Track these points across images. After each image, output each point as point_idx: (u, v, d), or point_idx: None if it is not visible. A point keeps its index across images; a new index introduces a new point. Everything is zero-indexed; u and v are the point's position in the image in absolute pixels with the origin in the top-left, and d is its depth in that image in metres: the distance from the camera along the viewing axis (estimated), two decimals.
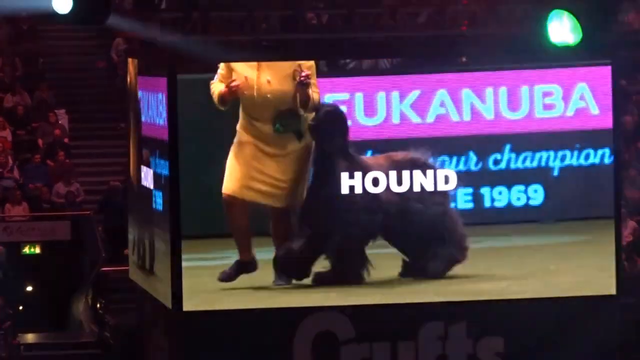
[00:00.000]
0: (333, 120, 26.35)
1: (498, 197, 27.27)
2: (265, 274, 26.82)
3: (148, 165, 28.94)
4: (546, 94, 27.21)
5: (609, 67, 26.88)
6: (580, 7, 18.74)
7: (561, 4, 18.76)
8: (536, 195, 27.34)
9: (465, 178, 27.01)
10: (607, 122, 27.27)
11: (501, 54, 27.23)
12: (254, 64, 25.80)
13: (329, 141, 26.24)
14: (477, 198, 27.23)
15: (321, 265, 26.83)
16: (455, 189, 26.87)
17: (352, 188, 26.49)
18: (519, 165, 27.09)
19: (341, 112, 26.34)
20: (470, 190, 27.13)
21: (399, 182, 26.57)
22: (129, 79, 29.71)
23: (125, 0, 21.86)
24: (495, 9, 26.37)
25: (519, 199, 27.35)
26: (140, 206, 29.69)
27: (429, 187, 26.78)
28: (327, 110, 26.51)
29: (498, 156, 26.96)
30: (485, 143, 27.13)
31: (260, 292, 26.81)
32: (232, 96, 25.64)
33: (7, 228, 32.73)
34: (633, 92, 34.16)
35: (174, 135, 26.22)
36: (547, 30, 19.75)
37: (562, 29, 18.78)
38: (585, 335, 27.10)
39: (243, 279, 26.80)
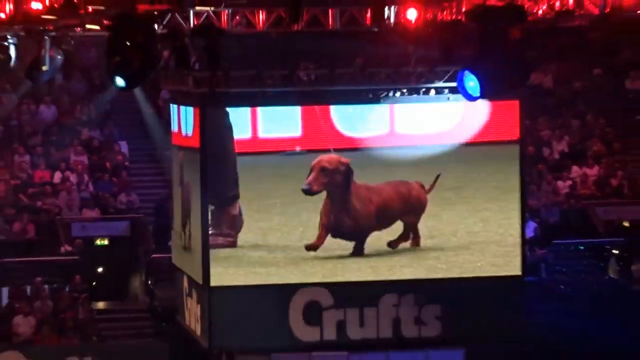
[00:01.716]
0: None
1: None
2: (270, 259, 27.25)
3: (182, 168, 28.95)
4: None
5: (517, 101, 27.07)
6: (485, 70, 19.01)
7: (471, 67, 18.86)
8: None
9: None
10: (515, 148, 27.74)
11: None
12: None
13: None
14: None
15: None
16: None
17: None
18: None
19: None
20: None
21: None
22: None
23: (169, 63, 21.87)
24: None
25: None
26: (180, 207, 29.65)
27: None
28: None
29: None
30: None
31: (265, 273, 27.16)
32: None
33: (84, 226, 32.82)
34: (534, 130, 34.23)
35: (204, 144, 26.65)
36: (463, 82, 19.83)
37: (471, 85, 18.79)
38: (498, 301, 27.47)
39: (253, 264, 27.18)
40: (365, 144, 27.39)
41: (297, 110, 27.24)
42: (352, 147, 27.25)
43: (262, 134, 27.34)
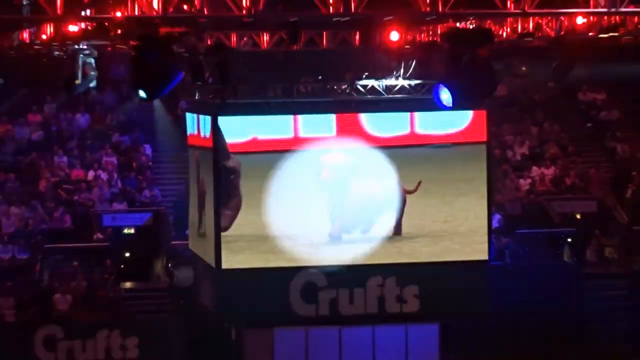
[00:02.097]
0: None
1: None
2: (274, 246, 27.17)
3: (198, 165, 28.99)
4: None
5: (485, 111, 27.10)
6: (457, 84, 19.06)
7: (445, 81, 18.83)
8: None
9: None
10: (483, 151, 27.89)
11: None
12: None
13: None
14: None
15: None
16: None
17: None
18: None
19: None
20: None
21: None
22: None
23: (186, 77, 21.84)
24: None
25: None
26: (197, 198, 29.57)
27: None
28: None
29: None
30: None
31: (271, 258, 27.14)
32: None
33: (113, 217, 32.70)
34: (499, 135, 34.14)
35: (216, 146, 26.63)
36: (438, 94, 19.74)
37: (445, 97, 18.74)
38: (468, 282, 27.36)
39: (259, 249, 27.20)
40: (384, 143, 27.40)
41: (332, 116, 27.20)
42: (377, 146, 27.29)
43: (302, 134, 27.31)
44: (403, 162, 27.47)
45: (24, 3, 27.17)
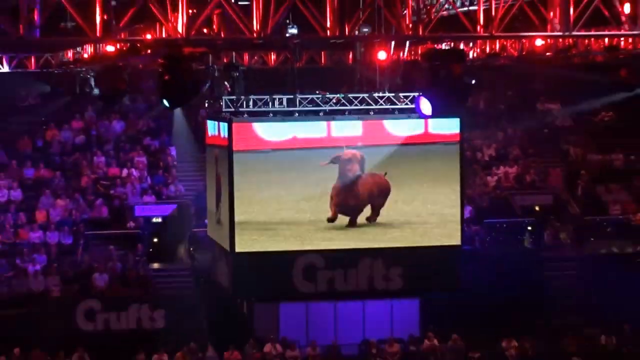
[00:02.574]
0: None
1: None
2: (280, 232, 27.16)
3: (216, 161, 28.72)
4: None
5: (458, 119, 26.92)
6: (435, 96, 18.94)
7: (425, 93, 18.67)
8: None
9: None
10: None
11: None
12: None
13: None
14: None
15: None
16: None
17: None
18: None
19: None
20: None
21: None
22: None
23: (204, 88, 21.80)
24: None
25: None
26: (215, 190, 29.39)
27: None
28: None
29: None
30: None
31: (278, 242, 27.17)
32: None
33: (144, 209, 32.57)
34: (470, 139, 34.13)
35: (230, 146, 26.54)
36: (418, 104, 19.41)
37: (425, 105, 18.55)
38: (443, 264, 27.34)
39: (268, 235, 27.08)
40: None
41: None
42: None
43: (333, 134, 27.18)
44: (392, 159, 27.48)
45: (68, 27, 27.14)
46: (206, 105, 26.62)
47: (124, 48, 22.48)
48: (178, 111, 32.41)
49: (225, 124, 26.94)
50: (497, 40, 22.97)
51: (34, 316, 29.14)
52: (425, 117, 20.04)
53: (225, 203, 27.43)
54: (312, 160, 27.21)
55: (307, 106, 26.96)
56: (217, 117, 27.82)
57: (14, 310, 29.33)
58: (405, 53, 25.20)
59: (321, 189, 27.30)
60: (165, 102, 18.38)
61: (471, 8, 18.50)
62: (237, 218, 26.87)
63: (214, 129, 28.73)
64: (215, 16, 20.38)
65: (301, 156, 27.29)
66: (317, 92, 27.19)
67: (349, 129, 27.28)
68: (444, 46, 25.18)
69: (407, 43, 24.68)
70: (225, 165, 27.34)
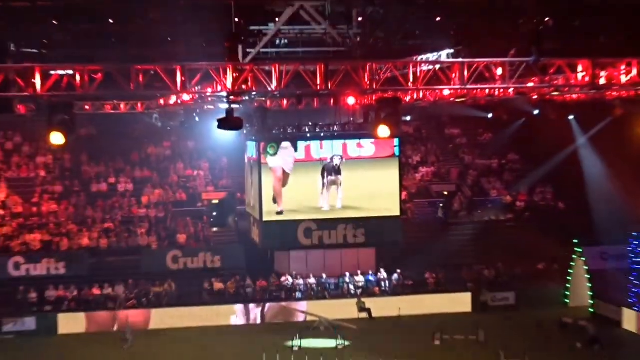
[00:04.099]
0: None
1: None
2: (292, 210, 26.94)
3: (251, 167, 28.38)
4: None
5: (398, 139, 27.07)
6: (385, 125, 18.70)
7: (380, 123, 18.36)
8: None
9: None
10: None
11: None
12: None
13: None
14: None
15: None
16: None
17: None
18: None
19: None
20: None
21: None
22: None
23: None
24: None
25: None
26: (251, 186, 29.47)
27: None
28: None
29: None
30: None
31: (287, 215, 26.98)
32: None
33: (208, 194, 32.49)
34: (405, 151, 34.11)
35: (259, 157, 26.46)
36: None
37: (383, 130, 18.16)
38: (389, 227, 27.27)
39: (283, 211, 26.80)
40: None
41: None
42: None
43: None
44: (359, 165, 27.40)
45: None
46: (244, 132, 26.39)
47: (195, 97, 22.29)
48: (229, 134, 32.27)
49: (254, 143, 26.95)
50: (421, 91, 22.76)
51: (141, 260, 29.09)
52: (382, 138, 19.60)
53: (256, 192, 27.23)
54: (309, 168, 27.02)
55: (306, 133, 27.05)
56: (252, 139, 27.75)
57: (129, 256, 29.26)
58: (367, 99, 25.01)
59: (313, 186, 27.16)
60: (220, 130, 18.20)
61: (405, 71, 18.40)
62: (263, 201, 26.74)
63: (251, 148, 28.52)
64: (250, 77, 20.36)
65: (301, 165, 27.05)
66: (310, 123, 27.14)
67: (334, 147, 27.16)
68: (389, 94, 25.03)
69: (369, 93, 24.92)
70: (256, 170, 27.20)
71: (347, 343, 23.82)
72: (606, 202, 29.20)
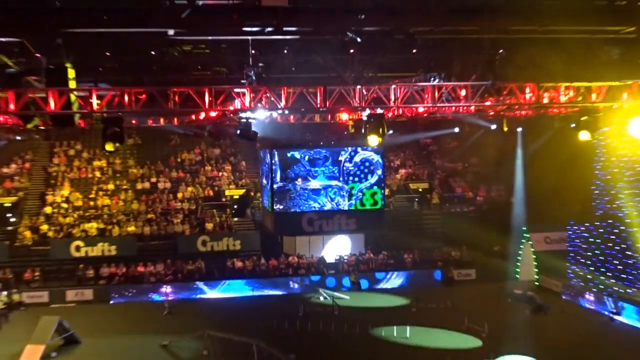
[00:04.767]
0: None
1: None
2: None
3: (268, 175, 28.33)
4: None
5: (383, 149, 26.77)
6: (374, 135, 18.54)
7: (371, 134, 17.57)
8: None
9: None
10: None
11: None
12: None
13: None
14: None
15: None
16: None
17: None
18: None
19: None
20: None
21: None
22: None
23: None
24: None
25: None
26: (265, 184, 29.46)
27: None
28: None
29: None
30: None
31: (294, 207, 26.82)
32: None
33: (230, 190, 32.32)
34: (388, 155, 33.94)
35: (271, 169, 26.37)
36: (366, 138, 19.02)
37: (372, 139, 18.10)
38: (374, 217, 27.04)
39: (290, 204, 26.33)
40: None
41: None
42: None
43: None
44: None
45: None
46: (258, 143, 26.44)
47: (219, 114, 22.22)
48: (247, 143, 32.18)
49: (268, 152, 26.85)
50: (400, 108, 22.75)
51: (176, 244, 28.85)
52: (372, 145, 19.43)
53: (269, 189, 27.08)
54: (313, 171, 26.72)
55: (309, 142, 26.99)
56: (265, 148, 27.72)
57: (167, 241, 29.13)
58: (358, 114, 24.92)
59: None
60: (241, 138, 18.18)
61: (387, 92, 18.34)
62: (275, 197, 26.56)
63: (265, 155, 28.46)
64: (264, 97, 20.29)
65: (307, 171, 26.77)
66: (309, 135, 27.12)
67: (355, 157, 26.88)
68: (375, 111, 24.98)
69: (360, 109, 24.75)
70: (269, 174, 27.03)
71: (343, 301, 23.85)
72: (547, 199, 29.20)
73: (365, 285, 27.26)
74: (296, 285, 27.05)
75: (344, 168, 26.70)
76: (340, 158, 26.59)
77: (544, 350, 18.46)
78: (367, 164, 26.85)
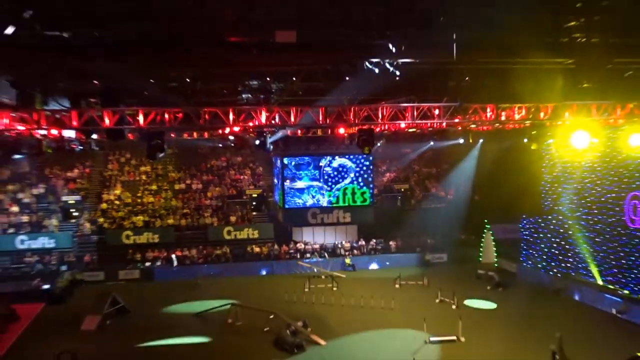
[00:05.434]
0: None
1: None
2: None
3: (276, 174, 28.31)
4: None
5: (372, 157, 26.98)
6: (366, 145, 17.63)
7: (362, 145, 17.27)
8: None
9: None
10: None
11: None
12: None
13: None
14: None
15: None
16: None
17: None
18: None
19: None
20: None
21: None
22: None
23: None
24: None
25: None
26: (277, 186, 29.14)
27: None
28: None
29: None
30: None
31: (301, 202, 26.87)
32: None
33: (250, 190, 32.14)
34: (377, 164, 33.61)
35: (282, 168, 26.15)
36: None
37: (365, 149, 17.85)
38: (365, 210, 27.14)
39: (297, 201, 26.54)
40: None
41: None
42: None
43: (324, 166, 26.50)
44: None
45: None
46: (271, 150, 26.34)
47: (241, 129, 22.13)
48: (263, 152, 32.01)
49: (278, 158, 26.71)
50: (386, 124, 22.68)
51: (207, 233, 28.57)
52: (362, 154, 19.29)
53: (280, 189, 26.95)
54: (298, 174, 26.57)
55: (313, 152, 26.88)
56: (277, 155, 27.64)
57: (199, 231, 28.91)
58: (354, 129, 24.81)
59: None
60: (259, 148, 18.07)
61: (376, 111, 18.28)
62: (285, 196, 26.45)
63: (276, 161, 28.38)
64: (277, 115, 20.25)
65: (293, 174, 26.69)
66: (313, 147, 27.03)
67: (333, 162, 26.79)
68: (368, 126, 24.85)
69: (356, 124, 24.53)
70: (280, 177, 26.93)
71: (340, 279, 23.73)
72: (504, 197, 29.05)
73: (358, 266, 27.08)
74: (320, 260, 26.76)
75: (324, 172, 26.54)
76: (320, 163, 26.42)
77: (502, 302, 19.93)
78: (342, 168, 26.77)
